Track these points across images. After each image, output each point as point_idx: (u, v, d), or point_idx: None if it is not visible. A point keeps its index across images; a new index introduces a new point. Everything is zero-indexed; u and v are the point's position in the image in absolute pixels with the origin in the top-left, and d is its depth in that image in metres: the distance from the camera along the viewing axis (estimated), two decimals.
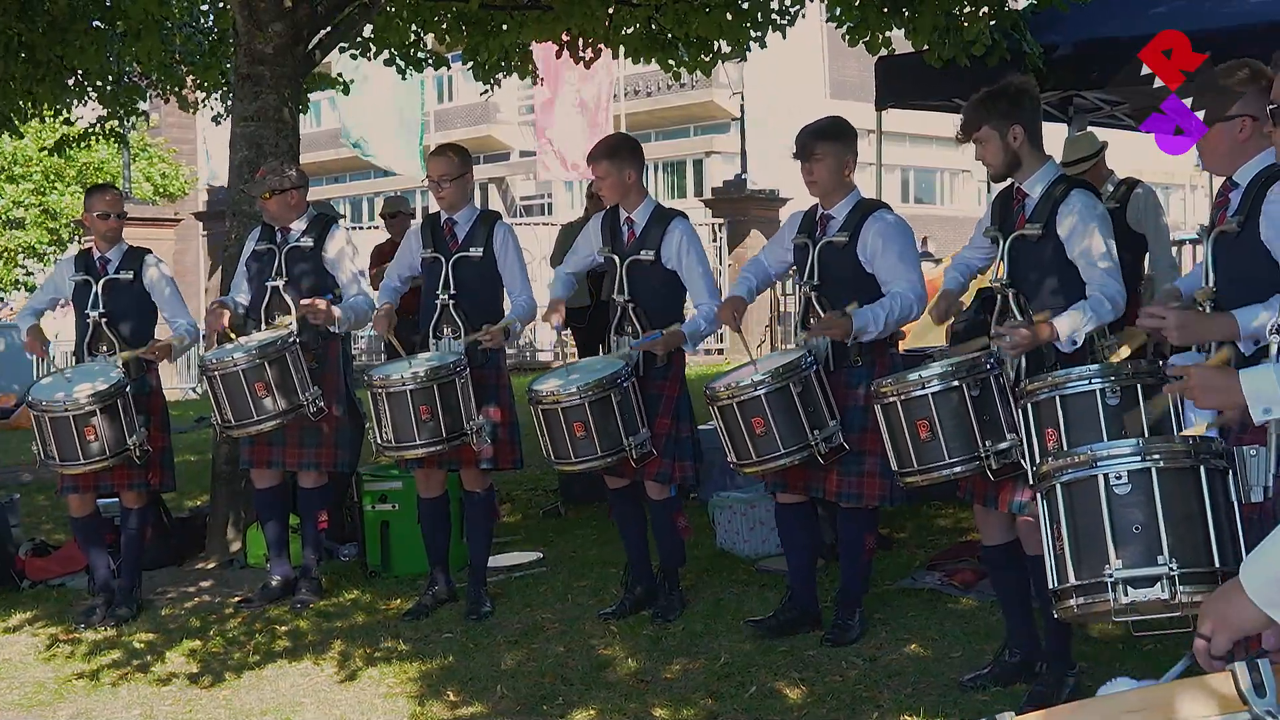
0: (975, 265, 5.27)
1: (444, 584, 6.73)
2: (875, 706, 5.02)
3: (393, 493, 7.37)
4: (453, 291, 6.52)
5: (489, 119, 42.84)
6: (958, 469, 4.79)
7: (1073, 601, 3.39)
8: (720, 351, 20.64)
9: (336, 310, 6.76)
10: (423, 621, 6.47)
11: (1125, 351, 4.44)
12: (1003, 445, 4.70)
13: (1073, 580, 3.37)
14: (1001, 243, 5.00)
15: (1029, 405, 4.18)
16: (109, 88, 12.00)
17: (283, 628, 6.57)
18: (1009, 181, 5.07)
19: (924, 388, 4.80)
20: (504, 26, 9.19)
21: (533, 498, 9.19)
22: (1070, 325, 4.64)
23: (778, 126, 30.22)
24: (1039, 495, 3.52)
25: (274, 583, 7.03)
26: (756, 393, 5.46)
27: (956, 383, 4.76)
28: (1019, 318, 4.83)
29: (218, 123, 14.69)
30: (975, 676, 5.12)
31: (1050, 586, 3.48)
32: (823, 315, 5.52)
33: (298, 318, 6.73)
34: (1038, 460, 3.88)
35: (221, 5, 11.67)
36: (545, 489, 9.23)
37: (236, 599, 7.07)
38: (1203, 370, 3.14)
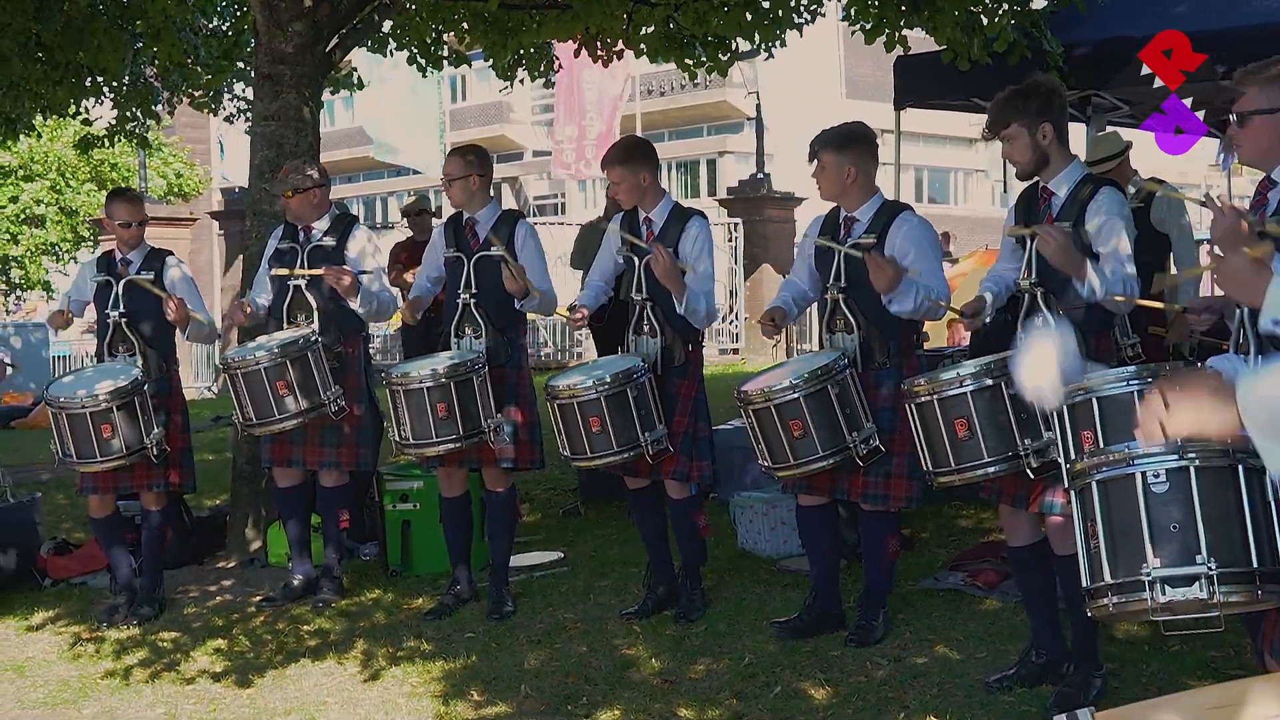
0: (1009, 279, 5.20)
1: (466, 583, 6.72)
2: (901, 707, 5.01)
3: (413, 492, 7.37)
4: (474, 290, 6.52)
5: (502, 119, 42.85)
6: (994, 468, 4.76)
7: (1108, 600, 3.36)
8: (735, 351, 20.63)
9: (359, 281, 6.67)
10: (445, 621, 6.46)
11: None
12: (1040, 443, 4.66)
13: (1108, 579, 3.35)
14: (1029, 242, 4.98)
15: (1065, 406, 4.15)
16: (124, 88, 12.03)
17: (305, 627, 6.57)
18: (1032, 181, 5.05)
19: (961, 385, 4.77)
20: (523, 26, 9.18)
21: (552, 497, 9.18)
22: (1092, 280, 4.65)
23: (793, 126, 30.17)
24: (1073, 493, 3.49)
25: (296, 582, 7.03)
26: (794, 395, 5.42)
27: (992, 380, 4.73)
28: (1048, 317, 4.80)
29: (231, 122, 14.73)
30: (1001, 677, 5.09)
31: (1084, 585, 3.46)
32: (861, 325, 5.49)
33: (320, 316, 6.71)
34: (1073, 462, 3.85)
35: (238, 8, 11.70)
36: (564, 488, 9.22)
37: (258, 598, 7.07)
38: (1238, 258, 3.07)
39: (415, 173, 35.18)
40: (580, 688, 5.50)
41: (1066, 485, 3.70)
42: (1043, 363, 3.85)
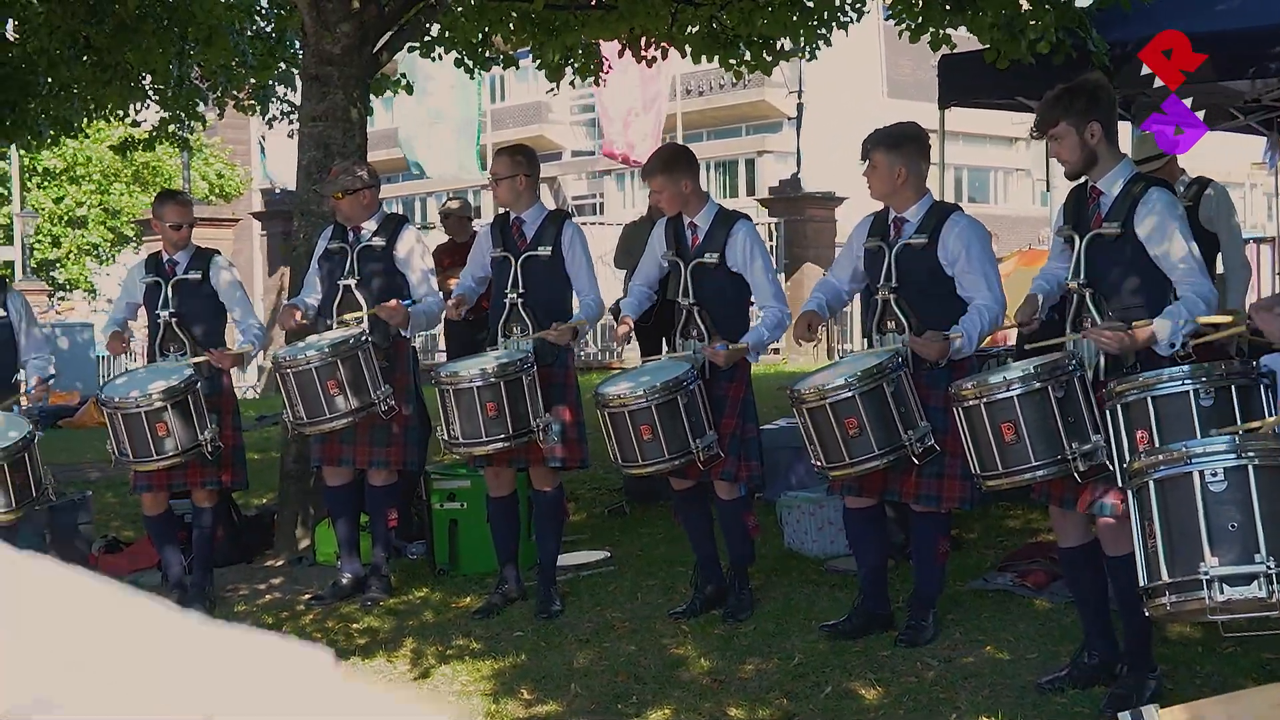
0: (1061, 275, 5.20)
1: (514, 582, 6.75)
2: (953, 708, 5.00)
3: (461, 491, 7.40)
4: (521, 290, 6.54)
5: (541, 119, 42.92)
6: (1042, 472, 4.75)
7: (1165, 599, 3.36)
8: (776, 351, 20.58)
9: (410, 312, 6.78)
10: (493, 620, 6.49)
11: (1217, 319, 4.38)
12: (1088, 447, 4.65)
13: (1165, 578, 3.35)
14: (1077, 242, 4.96)
15: (1118, 406, 4.14)
16: (170, 90, 12.12)
17: (355, 625, 6.62)
18: (1081, 180, 5.03)
19: (1008, 389, 4.76)
20: (568, 26, 9.20)
21: (597, 497, 9.20)
22: (1170, 329, 4.59)
23: (834, 126, 30.11)
24: (1130, 492, 3.49)
25: (345, 580, 7.07)
26: (850, 394, 5.41)
27: (1040, 384, 4.72)
28: (1096, 318, 4.79)
29: (271, 126, 14.82)
30: (1053, 679, 5.07)
31: (1142, 584, 3.45)
32: (913, 325, 5.50)
33: (369, 316, 6.77)
34: (1127, 461, 3.85)
35: (283, 10, 11.77)
36: (609, 488, 9.23)
37: (307, 596, 7.12)
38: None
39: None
40: (630, 687, 5.52)
41: (1122, 484, 3.70)
42: None
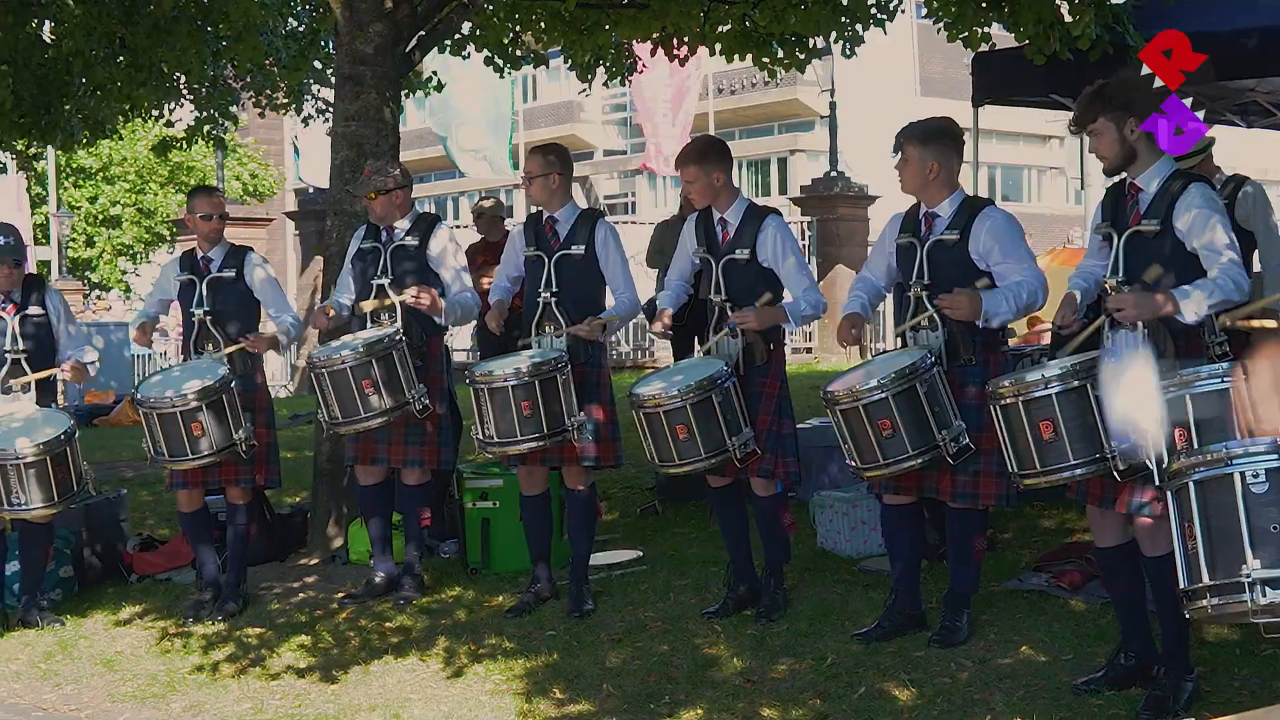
0: (1099, 273, 5.16)
1: (546, 581, 6.74)
2: (988, 709, 4.97)
3: (493, 490, 7.40)
4: (554, 289, 6.54)
5: (573, 118, 42.95)
6: (1080, 470, 4.72)
7: (1206, 602, 3.33)
8: (809, 350, 20.54)
9: (442, 301, 6.80)
10: (526, 619, 6.49)
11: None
12: (1126, 445, 4.61)
13: (1206, 580, 3.31)
14: (1116, 240, 4.93)
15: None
16: (204, 90, 12.19)
17: (388, 624, 6.62)
18: (1120, 177, 4.99)
19: (1046, 387, 4.73)
20: (600, 25, 9.19)
21: (629, 496, 9.19)
22: (1195, 301, 4.54)
23: (866, 124, 30.02)
24: (1169, 494, 3.45)
25: (378, 579, 7.08)
26: (883, 394, 5.37)
27: (1079, 382, 4.68)
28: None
29: (307, 124, 14.88)
30: (1089, 680, 5.04)
31: (1182, 586, 3.41)
32: (945, 322, 5.45)
33: (403, 315, 6.77)
34: (1164, 459, 3.81)
35: (315, 10, 11.82)
36: (641, 487, 9.22)
37: (341, 595, 7.13)
38: None
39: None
40: (662, 686, 5.51)
41: (1159, 483, 3.66)
42: (1138, 396, 3.79)
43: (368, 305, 6.84)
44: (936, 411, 5.41)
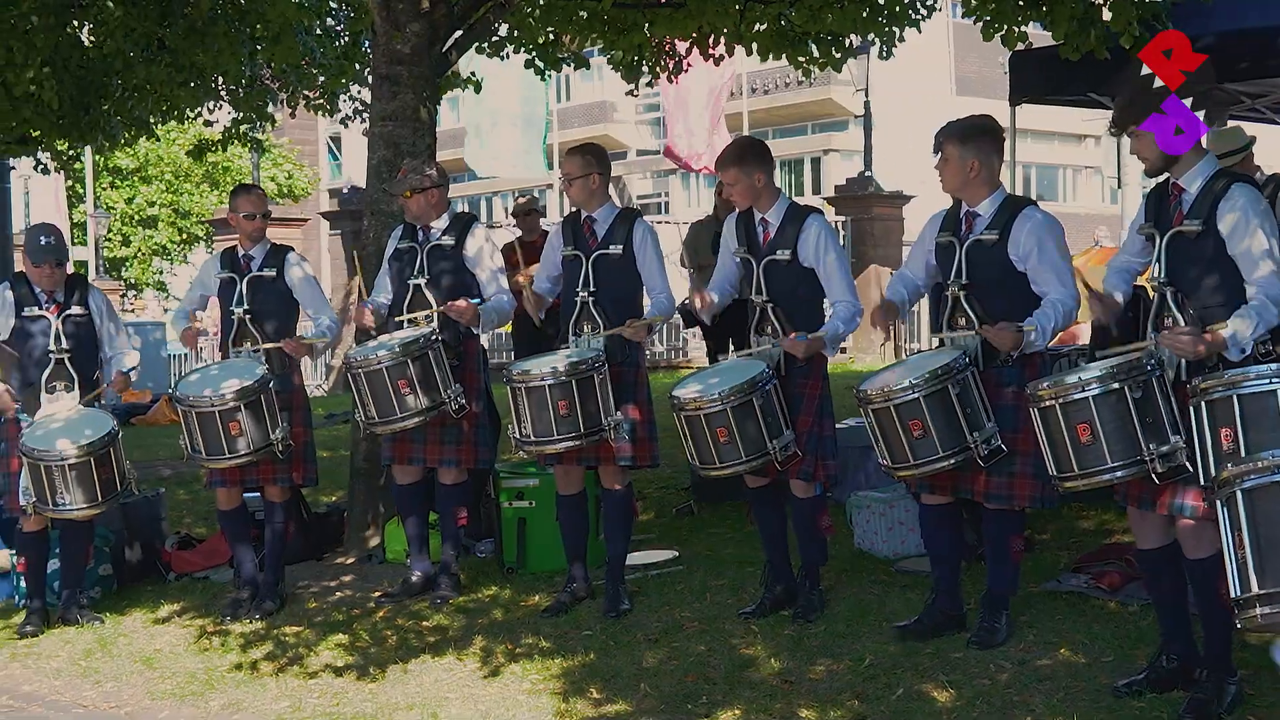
0: (1136, 269, 5.13)
1: (583, 581, 6.74)
2: (1027, 711, 4.94)
3: (529, 490, 7.40)
4: (592, 289, 6.54)
5: (606, 118, 43.01)
6: (1119, 473, 4.68)
7: (1256, 611, 3.30)
8: (844, 350, 20.47)
9: (481, 310, 6.81)
10: (562, 619, 6.49)
11: None
12: (1166, 448, 4.58)
13: (1255, 589, 3.27)
14: (1158, 240, 4.89)
15: (1202, 404, 4.06)
16: (241, 91, 12.24)
17: (425, 623, 6.64)
18: (1163, 177, 4.95)
19: (1084, 390, 4.70)
20: (636, 24, 9.18)
21: (666, 496, 9.18)
22: (1237, 334, 4.51)
23: (901, 124, 29.94)
24: (1218, 502, 3.41)
25: (415, 578, 7.09)
26: (914, 395, 5.36)
27: (1117, 385, 4.65)
28: (1177, 317, 4.72)
29: (346, 125, 14.93)
30: (1130, 682, 5.00)
31: (1233, 595, 3.38)
32: (984, 322, 5.43)
33: (438, 315, 6.78)
34: (1210, 460, 3.77)
35: (352, 11, 11.85)
36: (677, 487, 9.21)
37: (378, 594, 7.14)
38: None
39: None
40: (699, 687, 5.50)
41: (1210, 494, 3.62)
42: None
43: (421, 314, 6.85)
44: (969, 413, 5.39)
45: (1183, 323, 4.70)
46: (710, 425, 5.96)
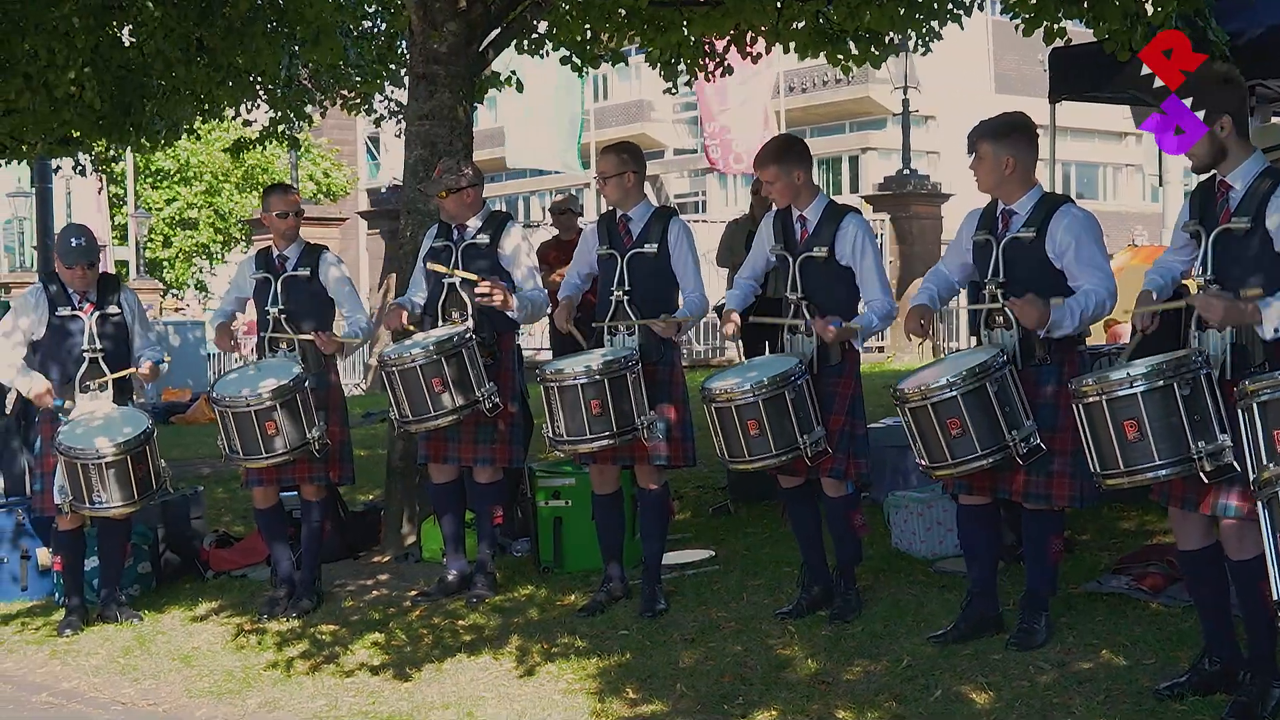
0: (1178, 269, 5.05)
1: (619, 581, 6.72)
2: (1068, 713, 4.89)
3: (565, 489, 7.39)
4: (627, 287, 6.52)
5: (643, 117, 43.00)
6: (1165, 471, 4.61)
7: None
8: (881, 349, 20.39)
9: (514, 298, 6.79)
10: (598, 618, 6.47)
11: None
12: (1213, 447, 4.51)
13: None
14: (1204, 238, 4.82)
15: (1253, 405, 4.00)
16: (279, 91, 12.29)
17: (461, 622, 6.63)
18: (1210, 174, 4.88)
19: (1131, 386, 4.63)
20: (674, 23, 9.16)
21: (702, 495, 9.16)
22: (1275, 314, 4.44)
23: (940, 122, 29.80)
24: (1261, 503, 3.36)
25: (450, 577, 7.09)
26: (952, 394, 5.31)
27: (1165, 381, 4.58)
28: None
29: (378, 125, 14.98)
30: (1172, 685, 4.93)
31: (1276, 597, 3.32)
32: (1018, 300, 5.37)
33: (474, 313, 6.78)
34: (1263, 463, 3.70)
35: (392, 10, 11.87)
36: (714, 487, 9.19)
37: (414, 593, 7.15)
38: None
39: (556, 172, 35.47)
40: (736, 687, 5.47)
41: (1253, 494, 3.56)
42: None
43: (457, 273, 6.81)
44: (1007, 411, 5.33)
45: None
46: (741, 417, 5.93)
